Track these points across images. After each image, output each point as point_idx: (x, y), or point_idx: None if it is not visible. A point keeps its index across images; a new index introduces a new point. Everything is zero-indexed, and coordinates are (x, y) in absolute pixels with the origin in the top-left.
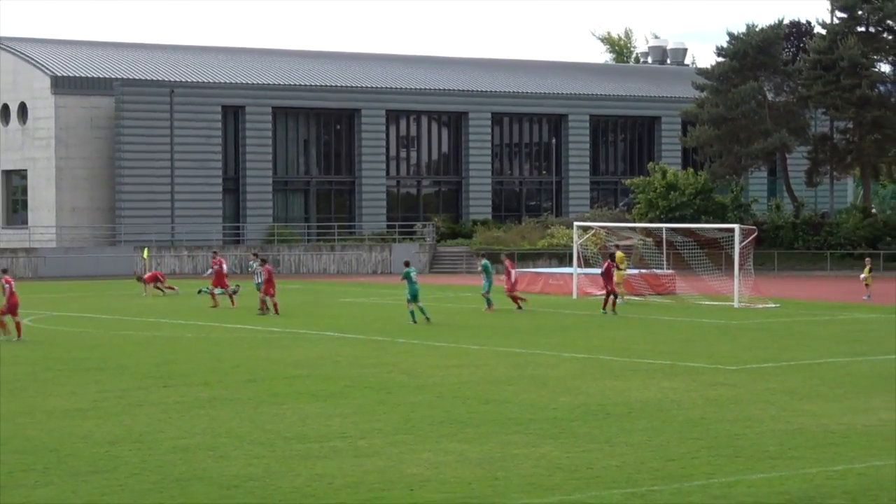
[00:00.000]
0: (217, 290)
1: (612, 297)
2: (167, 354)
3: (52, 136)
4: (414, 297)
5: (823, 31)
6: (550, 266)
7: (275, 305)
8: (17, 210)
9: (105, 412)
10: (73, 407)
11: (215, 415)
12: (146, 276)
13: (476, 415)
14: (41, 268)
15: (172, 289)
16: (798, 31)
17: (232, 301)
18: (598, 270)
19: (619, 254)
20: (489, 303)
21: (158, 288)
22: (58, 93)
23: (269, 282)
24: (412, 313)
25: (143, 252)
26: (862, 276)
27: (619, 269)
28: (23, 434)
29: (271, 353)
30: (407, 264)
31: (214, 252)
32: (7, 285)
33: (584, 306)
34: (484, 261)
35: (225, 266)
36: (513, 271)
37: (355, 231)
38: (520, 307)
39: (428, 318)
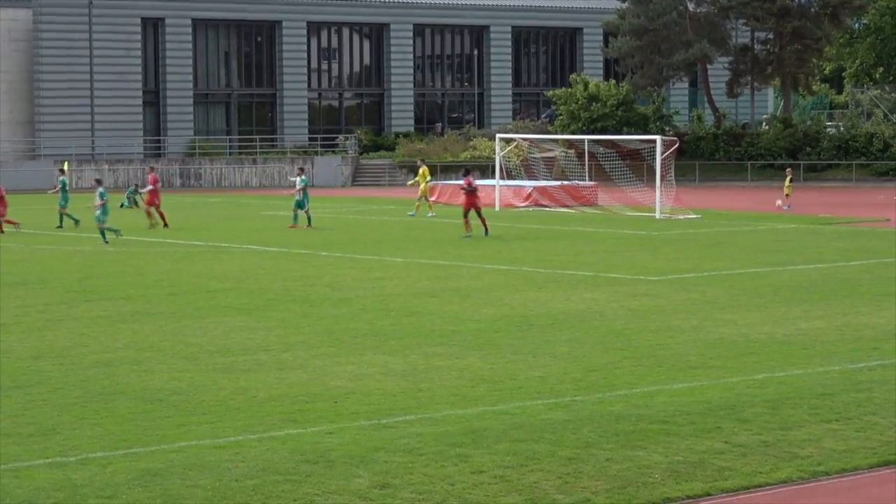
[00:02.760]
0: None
1: (478, 214)
2: (89, 269)
3: None
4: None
5: None
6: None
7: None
8: None
9: (27, 327)
10: None
11: (138, 329)
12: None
13: (399, 327)
14: None
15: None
16: None
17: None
18: (522, 182)
19: (423, 168)
20: (302, 217)
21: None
22: None
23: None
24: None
25: (62, 165)
26: (779, 202)
27: (418, 183)
28: None
29: (193, 266)
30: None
31: None
32: None
33: (507, 218)
34: (303, 177)
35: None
36: (156, 186)
37: (277, 144)
38: (153, 224)
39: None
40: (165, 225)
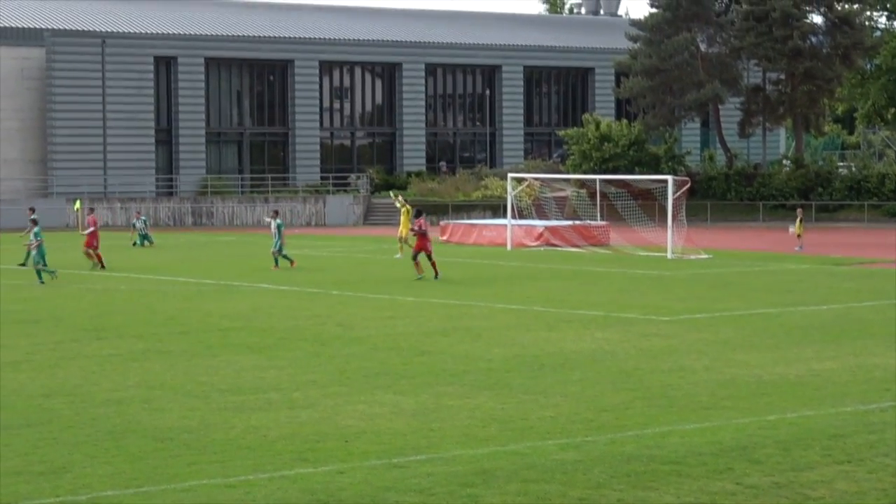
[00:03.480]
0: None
1: (428, 258)
2: (100, 307)
3: None
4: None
5: None
6: (485, 217)
7: None
8: None
9: (38, 365)
10: (6, 360)
11: (149, 367)
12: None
13: (410, 366)
14: None
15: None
16: None
17: None
18: (533, 222)
19: (406, 207)
20: (282, 260)
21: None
22: None
23: None
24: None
25: (74, 204)
26: (791, 229)
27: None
28: None
29: (204, 305)
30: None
31: None
32: None
33: (518, 257)
34: (279, 220)
35: None
36: (95, 228)
37: (289, 183)
38: (94, 266)
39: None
40: (102, 267)
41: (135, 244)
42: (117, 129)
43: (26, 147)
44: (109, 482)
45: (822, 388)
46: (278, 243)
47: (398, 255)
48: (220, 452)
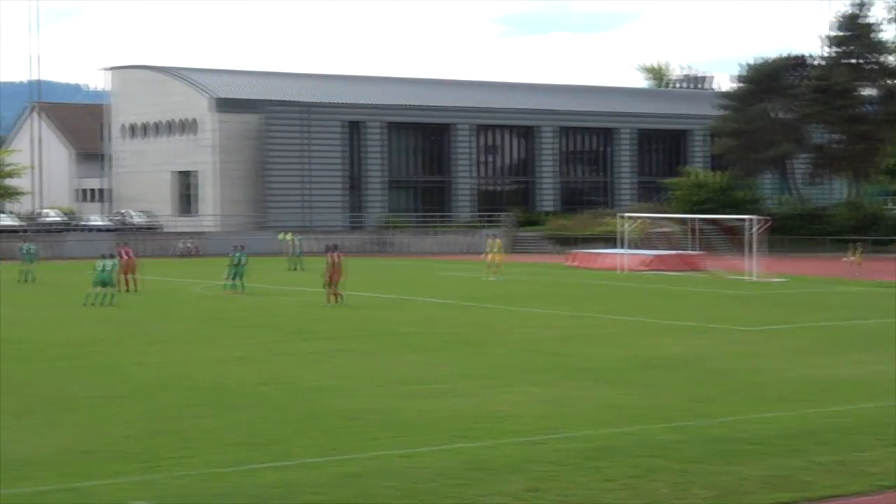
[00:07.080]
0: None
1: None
2: (303, 315)
3: (215, 144)
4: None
5: (820, 63)
6: (604, 247)
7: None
8: (188, 202)
9: (256, 360)
10: (231, 355)
11: (341, 362)
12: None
13: (547, 364)
14: (206, 247)
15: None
16: (800, 63)
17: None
18: (644, 251)
19: (497, 241)
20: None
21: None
22: (219, 111)
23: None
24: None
25: (282, 235)
26: (852, 258)
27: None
28: (192, 376)
29: (385, 314)
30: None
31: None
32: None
33: (630, 279)
34: (237, 252)
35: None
36: (125, 256)
37: (451, 219)
38: (129, 290)
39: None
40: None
41: (294, 269)
42: (317, 177)
43: (247, 191)
44: (310, 451)
45: (876, 385)
46: (234, 274)
47: (493, 278)
48: (397, 429)
